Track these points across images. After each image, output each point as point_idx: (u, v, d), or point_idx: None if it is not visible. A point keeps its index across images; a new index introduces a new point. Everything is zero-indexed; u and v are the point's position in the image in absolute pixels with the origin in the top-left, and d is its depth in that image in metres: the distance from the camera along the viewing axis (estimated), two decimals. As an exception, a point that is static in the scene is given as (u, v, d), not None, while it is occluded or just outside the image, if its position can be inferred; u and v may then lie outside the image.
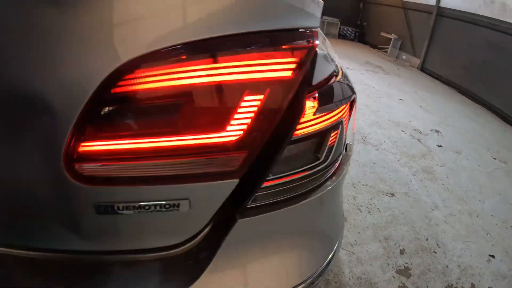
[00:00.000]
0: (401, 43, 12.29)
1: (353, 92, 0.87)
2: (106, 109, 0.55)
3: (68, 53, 0.51)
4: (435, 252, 2.40)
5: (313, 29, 0.66)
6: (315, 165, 0.77)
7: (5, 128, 0.54)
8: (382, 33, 13.04)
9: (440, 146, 4.45)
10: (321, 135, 0.73)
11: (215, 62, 0.55)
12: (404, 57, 12.14)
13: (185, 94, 0.56)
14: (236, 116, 0.60)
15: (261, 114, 0.60)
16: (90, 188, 0.59)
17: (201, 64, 0.55)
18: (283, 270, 0.78)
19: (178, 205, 0.64)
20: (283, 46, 0.60)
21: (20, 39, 0.48)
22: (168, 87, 0.55)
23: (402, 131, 4.92)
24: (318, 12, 0.71)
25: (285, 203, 0.74)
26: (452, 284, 2.17)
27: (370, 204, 2.96)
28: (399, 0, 12.11)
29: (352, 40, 14.85)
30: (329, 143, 0.76)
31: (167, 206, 0.63)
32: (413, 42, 11.63)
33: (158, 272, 0.66)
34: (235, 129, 0.60)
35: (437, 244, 2.49)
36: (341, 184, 0.94)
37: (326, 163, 0.80)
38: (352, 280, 2.08)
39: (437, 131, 4.95)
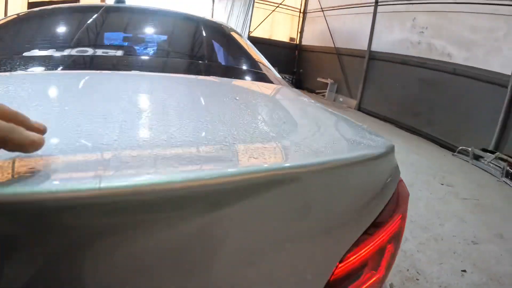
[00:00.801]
0: (338, 87, 12.86)
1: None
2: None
3: None
4: (418, 280, 2.74)
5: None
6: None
7: None
8: (318, 79, 13.61)
9: (394, 183, 4.40)
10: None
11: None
12: (341, 99, 12.60)
13: None
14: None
15: None
16: None
17: None
18: None
19: None
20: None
21: None
22: None
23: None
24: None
25: None
26: (439, 302, 2.49)
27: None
28: (333, 46, 12.97)
29: (290, 86, 15.29)
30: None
31: None
32: (349, 85, 12.22)
33: None
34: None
35: (417, 272, 2.84)
36: None
37: None
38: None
39: (387, 170, 4.90)
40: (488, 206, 4.74)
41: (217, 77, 1.45)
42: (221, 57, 2.09)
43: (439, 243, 3.23)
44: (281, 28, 15.48)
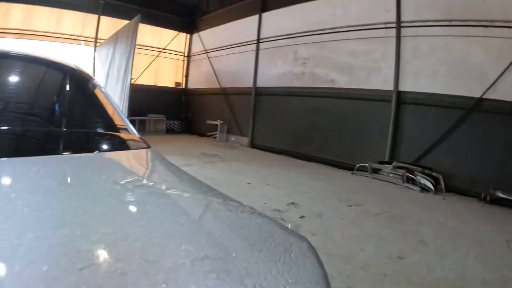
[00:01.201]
0: (228, 127, 12.25)
1: None
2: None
3: None
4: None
5: None
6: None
7: None
8: (208, 121, 12.82)
9: (303, 216, 4.32)
10: None
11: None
12: (233, 138, 11.94)
13: None
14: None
15: None
16: None
17: None
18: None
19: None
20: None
21: None
22: None
23: (262, 215, 4.22)
24: None
25: None
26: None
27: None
28: (219, 87, 12.55)
29: (180, 132, 14.17)
30: None
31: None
32: (239, 123, 11.71)
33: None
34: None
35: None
36: None
37: None
38: None
39: (293, 203, 4.83)
40: (400, 216, 4.65)
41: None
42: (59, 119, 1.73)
43: (367, 271, 2.94)
44: (166, 74, 14.68)
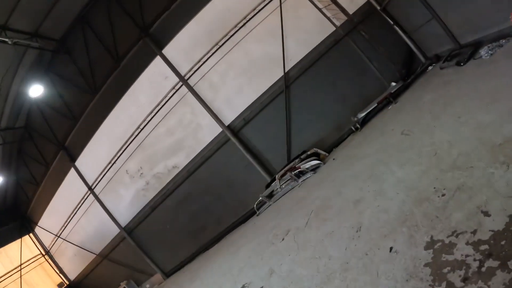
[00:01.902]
0: (135, 279, 10.09)
1: None
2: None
3: None
4: None
5: None
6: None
7: None
8: (113, 295, 10.27)
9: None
10: None
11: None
12: (148, 285, 9.83)
13: None
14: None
15: None
16: None
17: None
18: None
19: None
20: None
21: None
22: None
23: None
24: None
25: None
26: None
27: None
28: (96, 255, 10.55)
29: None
30: None
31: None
32: (140, 269, 9.78)
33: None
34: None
35: None
36: None
37: None
38: None
39: None
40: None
41: None
42: None
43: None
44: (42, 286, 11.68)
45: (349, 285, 2.86)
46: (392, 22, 6.77)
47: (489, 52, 5.11)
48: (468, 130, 3.72)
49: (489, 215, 2.43)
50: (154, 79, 7.84)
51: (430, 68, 6.54)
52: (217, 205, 7.59)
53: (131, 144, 8.34)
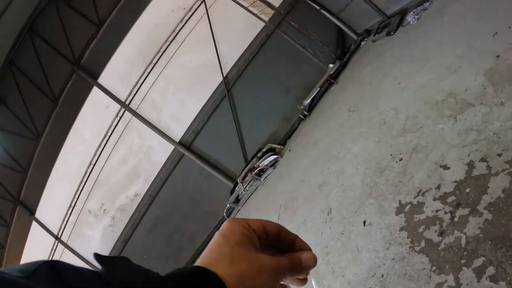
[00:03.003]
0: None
1: None
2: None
3: None
4: None
5: None
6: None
7: None
8: None
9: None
10: None
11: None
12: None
13: None
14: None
15: None
16: None
17: None
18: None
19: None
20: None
21: None
22: None
23: None
24: None
25: None
26: None
27: None
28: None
29: None
30: None
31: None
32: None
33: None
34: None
35: None
36: None
37: None
38: None
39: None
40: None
41: None
42: None
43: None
44: None
45: (334, 267, 2.82)
46: (318, 7, 6.86)
47: (415, 17, 5.27)
48: (410, 94, 3.79)
49: (448, 168, 2.47)
50: (95, 111, 7.53)
51: (363, 43, 6.66)
52: (187, 223, 7.35)
53: (87, 183, 7.94)
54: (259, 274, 0.47)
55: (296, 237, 0.57)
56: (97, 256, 0.39)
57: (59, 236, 8.98)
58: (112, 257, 0.40)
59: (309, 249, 0.57)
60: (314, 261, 0.55)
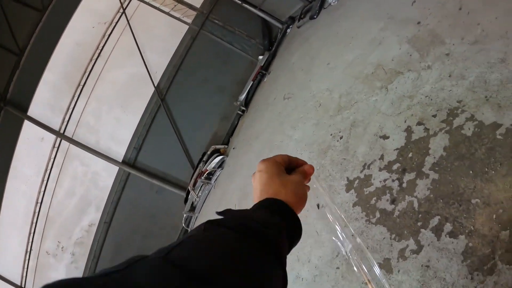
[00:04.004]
0: None
1: None
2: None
3: None
4: None
5: None
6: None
7: None
8: None
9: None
10: None
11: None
12: None
13: None
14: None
15: None
16: None
17: None
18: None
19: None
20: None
21: None
22: None
23: None
24: None
25: None
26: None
27: None
28: None
29: None
30: None
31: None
32: None
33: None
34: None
35: None
36: None
37: None
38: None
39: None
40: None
41: None
42: None
43: None
44: None
45: (298, 255, 2.76)
46: (240, 1, 6.83)
47: (335, -2, 5.35)
48: (340, 72, 3.83)
49: (387, 137, 2.51)
50: (30, 145, 7.09)
51: (288, 30, 6.71)
52: (149, 241, 7.09)
53: (38, 223, 7.46)
54: (299, 187, 0.70)
55: (297, 158, 0.80)
56: (217, 213, 0.59)
57: (22, 287, 8.40)
58: (225, 210, 0.61)
59: (307, 163, 0.79)
60: (313, 169, 0.79)
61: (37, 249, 7.87)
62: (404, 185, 2.13)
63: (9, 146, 7.27)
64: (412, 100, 2.50)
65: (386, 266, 1.99)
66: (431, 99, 2.32)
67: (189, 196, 6.27)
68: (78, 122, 6.79)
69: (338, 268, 2.35)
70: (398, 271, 1.89)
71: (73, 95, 6.81)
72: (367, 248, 2.23)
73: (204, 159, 6.21)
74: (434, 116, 2.22)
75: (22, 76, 7.10)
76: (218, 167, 5.95)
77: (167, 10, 6.85)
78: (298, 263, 2.71)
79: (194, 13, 6.86)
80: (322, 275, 2.45)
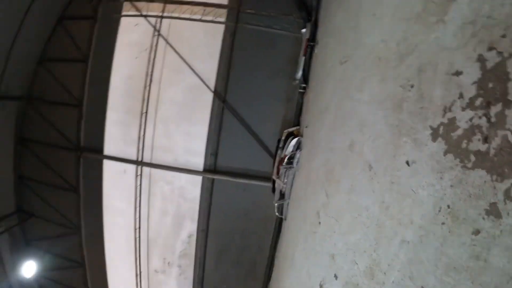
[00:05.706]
0: None
1: None
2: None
3: None
4: None
5: None
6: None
7: None
8: None
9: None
10: None
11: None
12: None
13: None
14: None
15: None
16: None
17: None
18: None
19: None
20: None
21: None
22: None
23: None
24: None
25: None
26: None
27: None
28: None
29: None
30: None
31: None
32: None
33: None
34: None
35: None
36: None
37: None
38: None
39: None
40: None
41: None
42: None
43: None
44: None
45: (399, 218, 2.71)
46: (264, -17, 6.76)
47: None
48: (389, 19, 3.59)
49: (461, 73, 2.18)
50: (115, 180, 7.64)
51: (322, -5, 6.53)
52: (248, 238, 7.38)
53: (141, 247, 8.06)
54: None
55: None
56: None
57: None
58: None
59: None
60: None
61: (146, 270, 8.52)
62: (493, 119, 1.96)
63: (97, 186, 7.87)
64: (475, 25, 2.27)
65: (493, 211, 1.87)
66: (495, 19, 2.12)
67: (276, 185, 6.40)
68: (152, 146, 7.18)
69: (443, 223, 2.24)
70: (508, 214, 1.75)
71: (139, 124, 7.20)
72: (470, 197, 2.12)
73: (280, 146, 6.28)
74: (504, 36, 2.03)
75: (88, 122, 7.62)
76: (296, 149, 5.99)
77: (198, 17, 6.96)
78: (400, 227, 2.62)
79: (225, 10, 6.91)
80: (428, 234, 2.36)
